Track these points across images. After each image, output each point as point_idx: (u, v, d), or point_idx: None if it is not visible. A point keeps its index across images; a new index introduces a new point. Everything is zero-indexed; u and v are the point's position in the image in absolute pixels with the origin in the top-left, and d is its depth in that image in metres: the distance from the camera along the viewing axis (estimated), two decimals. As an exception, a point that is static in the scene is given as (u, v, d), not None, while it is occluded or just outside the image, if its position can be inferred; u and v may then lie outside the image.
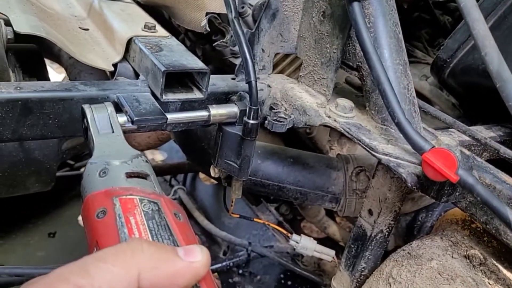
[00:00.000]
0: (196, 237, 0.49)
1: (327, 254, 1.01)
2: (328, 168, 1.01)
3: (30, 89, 0.66)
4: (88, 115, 0.60)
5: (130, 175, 0.51)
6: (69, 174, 1.66)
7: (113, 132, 0.59)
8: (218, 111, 0.75)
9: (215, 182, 1.72)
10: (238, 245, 1.45)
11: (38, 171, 0.85)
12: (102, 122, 0.60)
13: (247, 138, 0.72)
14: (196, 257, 0.42)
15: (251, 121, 0.71)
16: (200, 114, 0.74)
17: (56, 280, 0.37)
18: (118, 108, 0.71)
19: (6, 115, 0.64)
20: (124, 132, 0.62)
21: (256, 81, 0.70)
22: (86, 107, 0.61)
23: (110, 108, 0.62)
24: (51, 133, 0.69)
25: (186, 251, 0.42)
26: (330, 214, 1.56)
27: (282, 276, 1.42)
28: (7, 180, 0.82)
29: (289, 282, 1.40)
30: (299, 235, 1.04)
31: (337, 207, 1.00)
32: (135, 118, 0.65)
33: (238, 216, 0.91)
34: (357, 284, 0.90)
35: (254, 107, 0.70)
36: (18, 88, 0.65)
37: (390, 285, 0.76)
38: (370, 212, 0.86)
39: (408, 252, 0.78)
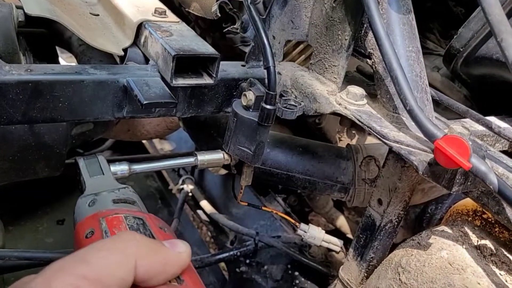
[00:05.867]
0: None
1: (335, 244, 1.01)
2: (337, 158, 1.00)
3: (40, 72, 0.66)
4: (80, 164, 0.66)
5: (116, 201, 0.55)
6: (79, 162, 1.66)
7: (103, 174, 0.64)
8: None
9: (224, 172, 1.72)
10: (245, 235, 1.45)
11: (47, 156, 0.85)
12: (93, 169, 0.65)
13: (263, 124, 0.72)
14: (182, 248, 0.44)
15: (268, 107, 0.71)
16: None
17: (56, 273, 0.37)
18: (127, 93, 0.71)
19: (16, 97, 0.64)
20: (117, 177, 0.66)
21: (274, 67, 0.70)
22: (78, 158, 0.68)
23: (101, 157, 0.68)
24: (61, 116, 0.69)
25: (171, 243, 0.44)
26: (338, 206, 1.55)
27: (289, 266, 1.42)
28: (16, 164, 0.82)
29: (296, 273, 1.40)
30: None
31: (346, 197, 0.99)
32: (145, 102, 0.65)
33: (247, 204, 0.91)
34: (365, 274, 0.89)
35: (272, 93, 0.70)
36: (29, 70, 0.65)
37: (399, 274, 0.75)
38: (380, 201, 0.85)
39: (418, 242, 0.78)
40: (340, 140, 1.36)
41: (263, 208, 0.99)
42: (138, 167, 0.70)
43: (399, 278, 0.75)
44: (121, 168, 0.67)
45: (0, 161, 0.81)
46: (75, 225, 0.53)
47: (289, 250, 1.33)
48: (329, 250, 1.25)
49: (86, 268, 0.37)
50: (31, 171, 0.85)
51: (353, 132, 1.38)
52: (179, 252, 0.43)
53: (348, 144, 1.05)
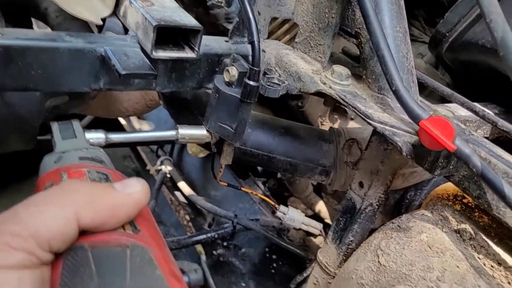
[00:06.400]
0: None
1: (315, 227, 1.00)
2: (319, 140, 0.99)
3: (12, 36, 0.62)
4: (53, 127, 0.63)
5: (83, 158, 0.53)
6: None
7: (74, 138, 0.61)
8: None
9: (203, 155, 1.70)
10: (223, 217, 1.43)
11: (20, 128, 0.81)
12: (67, 133, 0.62)
13: (245, 100, 0.70)
14: (135, 188, 0.41)
15: (252, 83, 0.69)
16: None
17: None
18: (105, 63, 0.68)
19: (-15, 62, 0.61)
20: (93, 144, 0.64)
21: (259, 42, 0.68)
22: (52, 122, 0.65)
23: (75, 123, 0.65)
24: (34, 85, 0.66)
25: (123, 184, 0.41)
26: (317, 192, 1.55)
27: (267, 249, 1.41)
28: (-12, 135, 0.79)
29: (274, 256, 1.39)
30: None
31: (327, 180, 0.99)
32: (123, 72, 0.62)
33: (226, 184, 0.89)
34: (344, 257, 0.89)
35: (255, 68, 0.68)
36: (0, 34, 0.62)
37: (378, 256, 0.75)
38: (361, 184, 0.85)
39: (398, 225, 0.77)
40: (322, 124, 1.35)
41: (242, 188, 0.97)
42: (115, 136, 0.67)
43: (378, 261, 0.74)
44: (97, 135, 0.65)
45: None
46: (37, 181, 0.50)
47: (267, 233, 1.33)
48: (307, 234, 1.25)
49: (18, 225, 0.36)
50: (4, 144, 0.81)
51: (335, 116, 1.37)
52: (129, 193, 0.40)
53: (331, 127, 1.04)
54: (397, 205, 1.24)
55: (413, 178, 1.08)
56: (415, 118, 0.62)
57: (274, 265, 1.38)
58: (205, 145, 0.90)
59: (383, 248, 0.75)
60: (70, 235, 0.37)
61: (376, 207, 0.86)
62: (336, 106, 1.32)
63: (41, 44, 0.63)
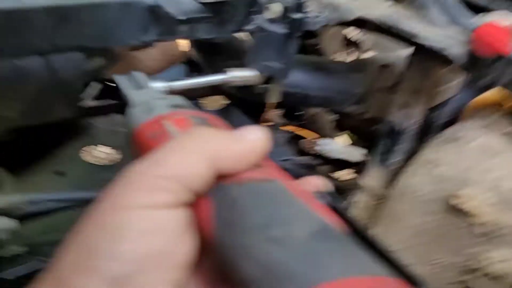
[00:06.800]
0: None
1: (356, 154, 1.04)
2: (349, 71, 1.01)
3: (65, -4, 0.62)
4: (119, 80, 0.63)
5: (174, 106, 0.51)
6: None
7: (144, 88, 0.59)
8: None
9: (219, 105, 1.70)
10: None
11: (65, 95, 0.81)
12: (133, 84, 0.61)
13: (292, 35, 0.71)
14: (256, 135, 0.41)
15: (298, 16, 0.69)
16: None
17: (136, 177, 0.37)
18: (154, 14, 0.68)
19: (42, 24, 0.61)
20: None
21: None
22: (114, 75, 0.65)
23: (136, 73, 0.63)
24: (86, 44, 0.66)
25: (246, 131, 0.41)
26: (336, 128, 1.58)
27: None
28: (36, 103, 0.79)
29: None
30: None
31: (362, 108, 1.01)
32: (180, 17, 0.63)
33: (272, 123, 0.91)
34: (391, 179, 0.93)
35: (301, 0, 0.69)
36: (52, -5, 0.61)
37: (431, 169, 0.79)
38: (402, 105, 0.88)
39: (446, 137, 0.81)
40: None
41: (282, 128, 1.00)
42: (177, 84, 0.68)
43: (432, 172, 0.78)
44: (160, 85, 0.65)
45: (18, 102, 0.77)
46: (131, 134, 0.49)
47: (299, 172, 1.36)
48: (337, 167, 1.29)
49: (163, 168, 0.37)
50: (50, 113, 0.81)
51: (349, 51, 1.39)
52: (254, 141, 0.40)
53: (357, 58, 1.05)
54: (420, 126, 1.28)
55: (439, 98, 1.11)
56: (468, 27, 0.65)
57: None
58: (245, 89, 0.91)
59: (436, 160, 0.78)
60: (208, 179, 0.37)
61: (418, 126, 0.90)
62: (348, 41, 1.34)
63: (93, 1, 0.63)
